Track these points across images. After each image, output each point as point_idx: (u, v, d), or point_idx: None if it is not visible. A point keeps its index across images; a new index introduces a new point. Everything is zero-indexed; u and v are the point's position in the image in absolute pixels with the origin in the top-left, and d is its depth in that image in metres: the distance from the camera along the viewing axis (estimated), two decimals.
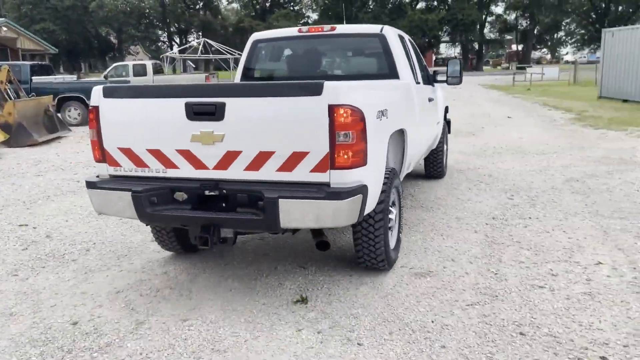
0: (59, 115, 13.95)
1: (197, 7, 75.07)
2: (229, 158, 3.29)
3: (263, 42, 5.59)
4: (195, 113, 3.26)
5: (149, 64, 21.86)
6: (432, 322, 3.28)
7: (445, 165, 7.47)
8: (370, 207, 3.46)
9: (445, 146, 7.32)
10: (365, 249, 3.82)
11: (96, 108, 3.53)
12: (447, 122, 7.65)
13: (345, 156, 3.12)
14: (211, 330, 3.27)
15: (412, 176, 7.29)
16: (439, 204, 6.02)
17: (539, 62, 73.60)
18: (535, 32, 70.25)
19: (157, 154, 3.45)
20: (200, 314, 3.48)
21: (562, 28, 76.02)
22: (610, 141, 10.14)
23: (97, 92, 3.53)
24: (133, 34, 72.99)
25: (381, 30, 5.07)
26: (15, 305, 3.70)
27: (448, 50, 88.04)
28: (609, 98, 19.06)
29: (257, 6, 74.77)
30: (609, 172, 7.35)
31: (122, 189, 3.47)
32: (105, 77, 20.63)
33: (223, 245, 3.49)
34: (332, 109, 3.06)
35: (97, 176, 3.68)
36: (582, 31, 73.02)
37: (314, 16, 72.93)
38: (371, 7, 64.92)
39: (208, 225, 3.40)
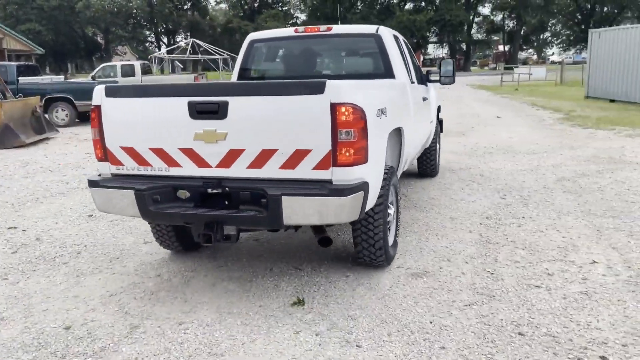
0: (46, 116, 13.76)
1: (185, 7, 74.78)
2: (232, 156, 3.31)
3: (259, 43, 5.58)
4: (198, 112, 3.27)
5: (137, 64, 21.70)
6: (431, 322, 3.26)
7: (438, 164, 7.52)
8: (370, 203, 3.48)
9: (438, 145, 7.39)
10: (365, 245, 3.86)
11: (98, 107, 3.53)
12: (440, 121, 7.70)
13: (347, 154, 3.15)
14: (207, 333, 3.22)
15: (405, 176, 7.29)
16: (433, 204, 6.02)
17: (525, 62, 74.08)
18: (521, 32, 70.67)
19: (159, 152, 3.46)
20: (196, 317, 3.43)
21: (548, 29, 76.79)
22: (599, 140, 10.23)
23: (99, 91, 3.52)
24: (120, 35, 72.52)
25: (377, 31, 5.10)
26: (6, 310, 3.62)
27: (436, 50, 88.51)
28: (596, 98, 19.27)
29: (246, 6, 74.57)
30: (599, 172, 7.40)
31: (125, 187, 3.47)
32: (93, 77, 20.43)
33: (226, 242, 3.53)
34: (334, 107, 3.09)
35: (99, 175, 3.68)
36: (568, 32, 73.76)
37: (303, 17, 72.98)
38: (360, 7, 65.09)
39: (211, 222, 3.41)
